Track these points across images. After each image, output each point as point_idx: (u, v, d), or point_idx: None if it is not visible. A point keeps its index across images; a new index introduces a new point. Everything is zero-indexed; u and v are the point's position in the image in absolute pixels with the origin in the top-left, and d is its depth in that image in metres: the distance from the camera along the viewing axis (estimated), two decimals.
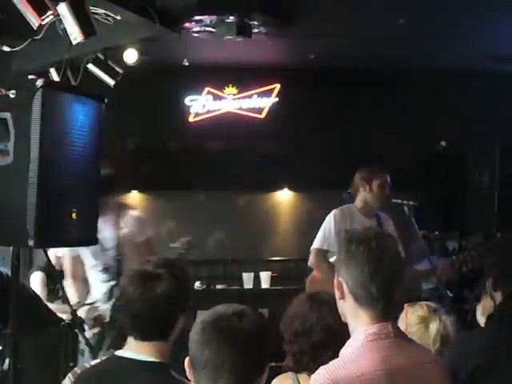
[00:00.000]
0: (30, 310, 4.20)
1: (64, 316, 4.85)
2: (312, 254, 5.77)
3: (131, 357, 2.61)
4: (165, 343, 2.63)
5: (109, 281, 5.26)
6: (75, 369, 3.24)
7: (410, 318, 3.37)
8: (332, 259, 5.45)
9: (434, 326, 3.33)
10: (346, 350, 2.42)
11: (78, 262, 5.39)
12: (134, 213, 5.53)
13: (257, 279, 8.79)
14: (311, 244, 5.86)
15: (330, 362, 2.38)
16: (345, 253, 2.45)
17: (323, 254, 5.68)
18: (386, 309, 2.40)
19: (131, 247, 5.25)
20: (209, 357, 2.07)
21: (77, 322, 4.45)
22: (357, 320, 2.44)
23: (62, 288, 4.96)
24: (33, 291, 5.23)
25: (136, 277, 2.66)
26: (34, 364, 4.34)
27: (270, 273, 8.82)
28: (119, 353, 2.67)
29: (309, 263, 5.82)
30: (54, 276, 5.58)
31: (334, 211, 5.83)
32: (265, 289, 8.74)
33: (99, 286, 5.29)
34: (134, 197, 9.12)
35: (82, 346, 4.70)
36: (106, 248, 5.23)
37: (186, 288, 2.71)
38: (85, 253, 5.30)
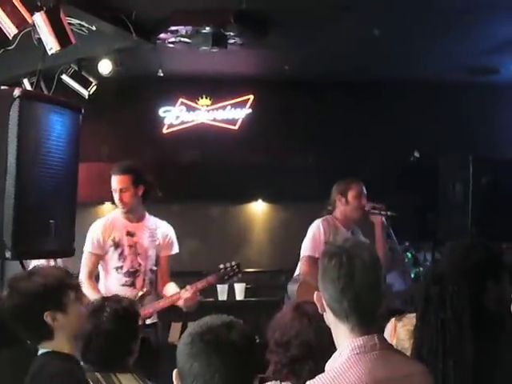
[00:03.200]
0: (3, 324, 4.13)
1: None
2: (303, 262, 5.74)
3: None
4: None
5: None
6: None
7: (399, 333, 3.33)
8: None
9: None
10: (333, 364, 2.39)
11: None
12: None
13: (231, 291, 8.75)
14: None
15: (317, 377, 2.34)
16: (321, 266, 2.44)
17: (315, 261, 5.69)
18: (363, 322, 2.37)
19: None
20: (199, 369, 2.04)
21: None
22: (339, 332, 2.42)
23: None
24: None
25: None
26: (11, 377, 4.27)
27: (244, 284, 8.78)
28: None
29: (300, 271, 5.79)
30: None
31: (319, 220, 5.85)
32: (239, 300, 8.70)
33: None
34: (107, 209, 9.04)
35: None
36: None
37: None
38: None
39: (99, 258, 5.32)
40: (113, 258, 5.35)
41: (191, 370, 2.05)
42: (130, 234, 5.40)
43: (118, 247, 5.35)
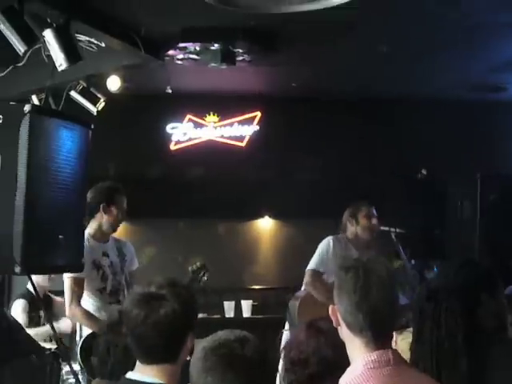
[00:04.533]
0: (8, 339, 4.12)
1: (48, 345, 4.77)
2: (308, 275, 5.87)
3: (139, 379, 2.55)
4: (173, 365, 2.56)
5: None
6: None
7: (400, 345, 3.33)
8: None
9: None
10: (347, 379, 2.39)
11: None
12: None
13: (238, 308, 8.74)
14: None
15: None
16: (337, 280, 2.45)
17: (319, 274, 5.76)
18: (377, 336, 2.37)
19: None
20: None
21: (62, 351, 4.37)
22: (353, 346, 2.42)
23: (48, 314, 4.87)
24: (13, 319, 5.15)
25: (139, 299, 2.59)
26: None
27: (251, 301, 8.78)
28: (130, 375, 2.61)
29: (304, 283, 5.89)
30: (36, 303, 5.49)
31: (330, 237, 5.99)
32: (246, 317, 8.69)
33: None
34: None
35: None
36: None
37: (190, 307, 2.63)
38: None
39: (83, 281, 5.26)
40: (96, 279, 5.30)
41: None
42: (105, 254, 5.37)
43: (99, 269, 5.32)
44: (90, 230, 5.24)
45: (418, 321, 2.92)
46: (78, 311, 5.06)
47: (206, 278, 5.61)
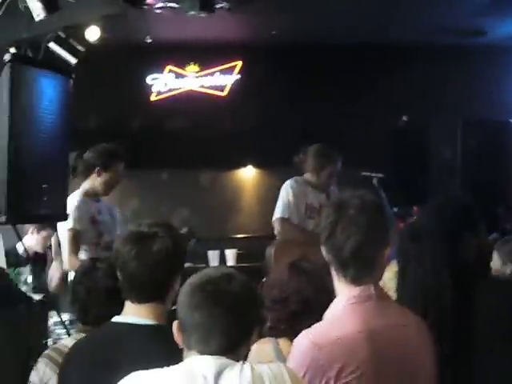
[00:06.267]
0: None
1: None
2: (277, 223, 5.85)
3: (129, 321, 2.56)
4: (162, 305, 2.57)
5: None
6: (49, 352, 3.21)
7: (385, 275, 3.38)
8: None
9: None
10: (329, 313, 2.43)
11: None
12: None
13: (222, 257, 8.80)
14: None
15: (313, 326, 2.39)
16: (324, 219, 2.47)
17: (288, 221, 5.78)
18: (360, 271, 2.39)
19: None
20: (200, 320, 2.06)
21: (50, 300, 4.38)
22: (338, 282, 2.45)
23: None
24: (1, 270, 5.16)
25: (131, 237, 2.59)
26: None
27: (235, 250, 8.83)
28: (116, 318, 2.61)
29: (275, 232, 5.89)
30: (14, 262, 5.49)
31: (289, 182, 5.94)
32: (231, 266, 8.74)
33: None
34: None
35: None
36: None
37: (181, 247, 2.65)
38: None
39: (80, 234, 5.26)
40: (92, 234, 5.34)
41: (192, 320, 2.08)
42: (99, 212, 5.41)
43: (94, 224, 5.35)
44: (85, 187, 5.26)
45: (402, 261, 2.97)
46: (78, 262, 5.08)
47: (192, 244, 5.64)
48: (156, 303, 2.56)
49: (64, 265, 5.26)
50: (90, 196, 5.33)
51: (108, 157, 5.35)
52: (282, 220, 5.84)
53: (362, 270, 2.40)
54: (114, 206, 5.68)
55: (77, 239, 5.17)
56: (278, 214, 5.88)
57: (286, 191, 5.88)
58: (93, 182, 5.31)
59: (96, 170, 5.25)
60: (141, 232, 2.60)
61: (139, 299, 2.57)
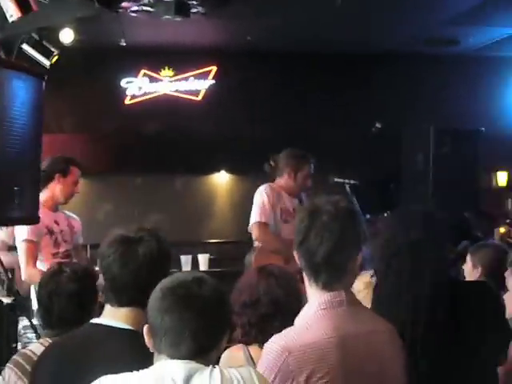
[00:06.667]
0: None
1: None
2: (255, 228, 5.83)
3: (106, 323, 2.52)
4: (142, 311, 2.44)
5: None
6: (16, 358, 3.19)
7: (356, 285, 3.38)
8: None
9: None
10: (300, 319, 2.43)
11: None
12: None
13: (195, 262, 8.78)
14: (248, 225, 5.92)
15: (284, 331, 2.39)
16: (297, 223, 2.47)
17: (265, 226, 5.78)
18: (332, 277, 2.39)
19: None
20: (170, 324, 2.06)
21: (20, 303, 4.35)
22: (310, 287, 2.45)
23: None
24: None
25: (116, 240, 2.55)
26: None
27: (207, 255, 8.83)
28: (95, 320, 2.59)
29: (254, 237, 5.88)
30: None
31: (263, 187, 5.93)
32: (203, 271, 8.72)
33: None
34: None
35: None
36: None
37: (166, 252, 2.61)
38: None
39: (38, 245, 5.23)
40: (49, 244, 5.32)
41: (162, 324, 2.07)
42: (56, 222, 5.40)
43: (52, 234, 5.33)
44: (42, 197, 5.22)
45: (382, 275, 2.92)
46: (36, 272, 5.03)
47: None
48: (136, 308, 2.52)
49: (22, 275, 5.24)
50: (48, 207, 5.33)
51: (65, 163, 5.38)
52: (260, 224, 5.83)
53: (334, 275, 2.40)
54: (73, 216, 5.67)
55: (32, 250, 5.17)
56: (254, 218, 5.86)
57: (261, 196, 5.88)
58: (52, 191, 5.32)
59: (56, 176, 5.27)
60: (126, 235, 2.57)
61: (120, 302, 2.53)
